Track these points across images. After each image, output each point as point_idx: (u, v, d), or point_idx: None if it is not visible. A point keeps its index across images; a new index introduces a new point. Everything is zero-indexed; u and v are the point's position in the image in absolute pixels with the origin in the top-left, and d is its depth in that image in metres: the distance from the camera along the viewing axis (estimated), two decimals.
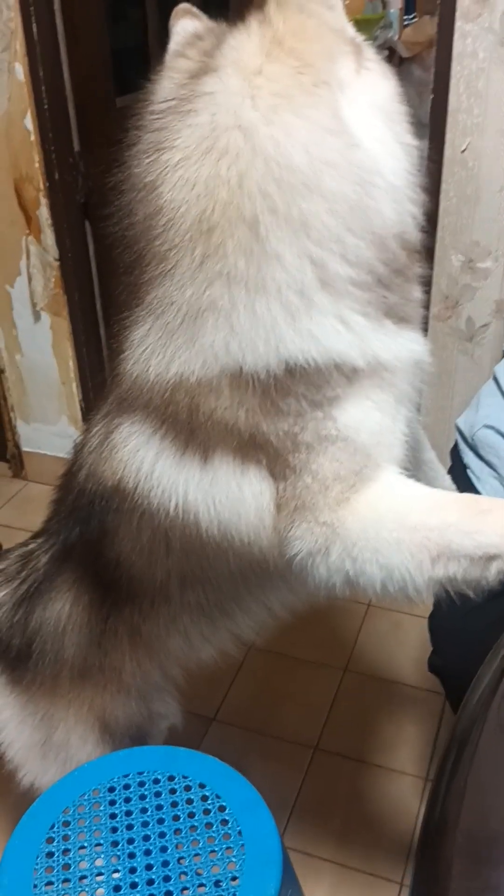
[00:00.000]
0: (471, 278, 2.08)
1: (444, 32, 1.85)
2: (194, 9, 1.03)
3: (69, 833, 0.98)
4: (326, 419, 0.92)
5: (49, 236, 2.35)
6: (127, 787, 1.03)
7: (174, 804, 1.00)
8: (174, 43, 1.00)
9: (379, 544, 0.91)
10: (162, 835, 0.97)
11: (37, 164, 2.26)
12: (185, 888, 0.91)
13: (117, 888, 0.92)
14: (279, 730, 1.89)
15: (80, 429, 2.11)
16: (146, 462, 1.00)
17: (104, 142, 2.30)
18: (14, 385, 2.69)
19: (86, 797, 1.02)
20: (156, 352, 0.96)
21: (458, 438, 1.56)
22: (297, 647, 2.08)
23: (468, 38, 1.83)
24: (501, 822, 0.75)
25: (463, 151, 1.94)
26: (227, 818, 0.98)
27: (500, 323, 2.11)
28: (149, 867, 0.94)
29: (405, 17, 3.88)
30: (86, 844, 0.97)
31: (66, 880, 0.93)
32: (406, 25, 3.86)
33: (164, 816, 0.99)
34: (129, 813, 1.00)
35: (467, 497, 0.97)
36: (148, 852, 0.96)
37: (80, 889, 0.92)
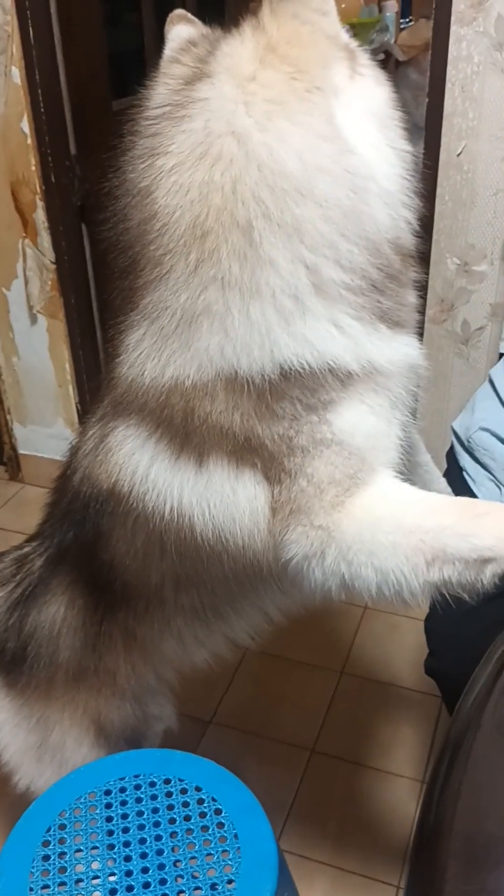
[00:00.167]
0: (466, 281, 2.09)
1: (439, 36, 1.86)
2: (189, 15, 1.03)
3: (65, 836, 0.98)
4: (321, 423, 0.92)
5: (45, 239, 2.35)
6: (123, 790, 1.03)
7: (170, 807, 1.00)
8: (169, 49, 1.00)
9: (374, 547, 0.91)
10: (158, 838, 0.97)
11: (33, 168, 2.26)
12: (182, 891, 0.91)
13: (113, 891, 0.92)
14: (276, 732, 1.89)
15: (76, 431, 2.11)
16: (141, 465, 1.00)
17: (101, 145, 2.30)
18: (10, 387, 2.69)
19: (82, 800, 1.02)
20: (151, 356, 0.96)
21: (454, 441, 1.56)
22: (293, 649, 2.09)
23: (463, 42, 1.84)
24: (497, 825, 0.75)
25: (458, 155, 1.95)
26: (223, 821, 0.98)
27: (495, 326, 2.12)
28: (145, 870, 0.94)
29: (401, 20, 3.89)
30: (82, 848, 0.97)
31: (63, 883, 0.93)
32: (402, 29, 3.88)
33: (160, 819, 0.99)
34: (125, 816, 1.00)
35: (463, 500, 0.97)
36: (144, 855, 0.96)
37: (76, 892, 0.92)
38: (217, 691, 1.99)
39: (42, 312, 2.49)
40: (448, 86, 1.89)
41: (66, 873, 0.94)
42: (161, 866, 0.94)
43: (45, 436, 2.71)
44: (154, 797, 1.02)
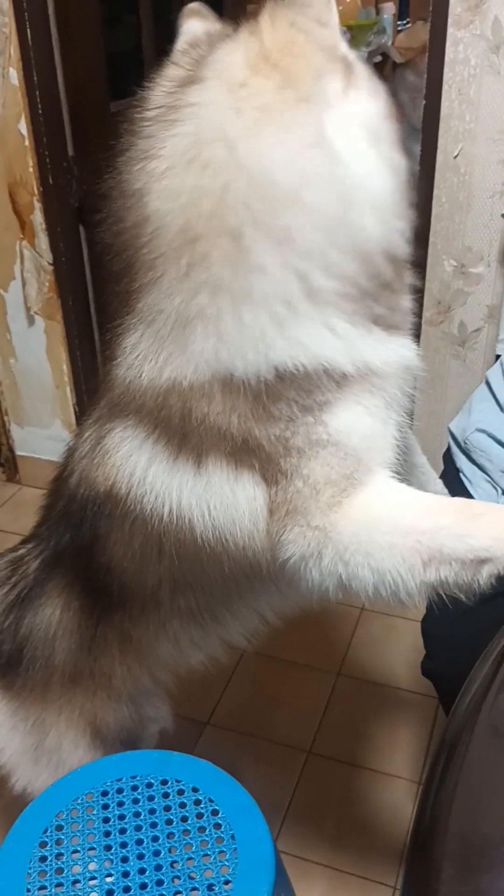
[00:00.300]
0: (463, 283, 2.09)
1: (436, 39, 1.86)
2: (204, 9, 1.01)
3: (62, 837, 0.98)
4: (317, 424, 0.92)
5: (43, 240, 2.35)
6: (120, 791, 1.03)
7: (167, 808, 1.00)
8: (179, 44, 0.99)
9: (371, 548, 0.91)
10: (155, 839, 0.97)
11: (31, 169, 2.26)
12: (178, 892, 0.92)
13: (110, 892, 0.92)
14: (273, 733, 1.89)
15: (73, 433, 2.12)
16: (139, 467, 1.00)
17: (98, 146, 2.30)
18: (8, 389, 2.69)
19: (79, 801, 1.02)
20: (148, 358, 0.96)
21: (451, 442, 1.57)
22: (290, 650, 2.09)
23: (460, 45, 1.84)
24: (492, 826, 0.75)
25: (455, 157, 1.96)
26: (220, 822, 0.98)
27: (492, 328, 2.12)
28: (142, 871, 0.94)
29: (398, 22, 3.90)
30: (79, 849, 0.97)
31: (60, 884, 0.93)
32: (399, 31, 3.88)
33: (157, 821, 0.99)
34: (122, 817, 1.00)
35: (460, 501, 0.98)
36: (141, 856, 0.96)
37: (73, 893, 0.92)
38: (214, 693, 1.99)
39: (39, 314, 2.49)
40: (445, 88, 1.90)
41: (63, 874, 0.94)
42: (158, 867, 0.94)
43: (43, 437, 2.72)
44: (151, 798, 1.02)
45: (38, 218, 2.32)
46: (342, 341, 0.91)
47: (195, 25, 0.99)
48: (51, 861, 0.95)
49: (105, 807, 1.01)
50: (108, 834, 0.98)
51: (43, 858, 0.95)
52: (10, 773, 1.26)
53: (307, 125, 0.86)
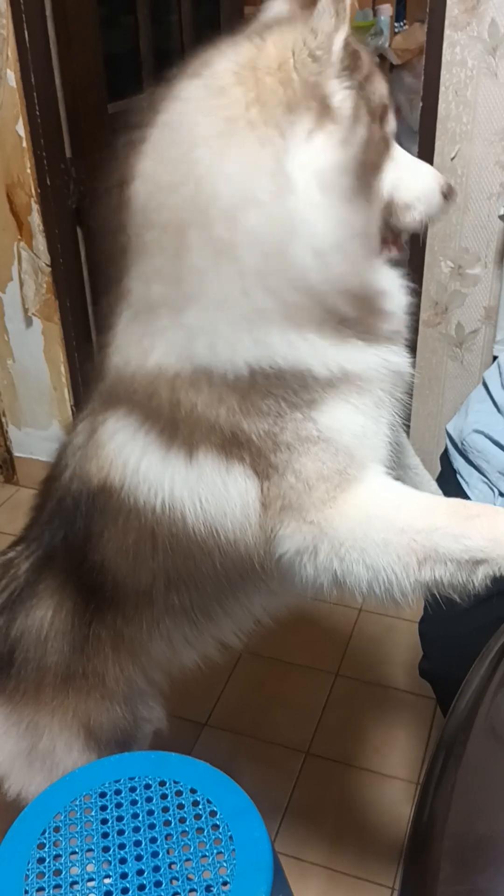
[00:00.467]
0: (460, 284, 2.10)
1: (433, 41, 1.87)
2: None
3: (60, 839, 0.98)
4: (306, 420, 0.92)
5: (41, 242, 2.35)
6: (118, 792, 1.03)
7: (165, 809, 1.00)
8: (254, 24, 0.96)
9: (366, 545, 0.91)
10: (153, 840, 0.97)
11: (28, 170, 2.26)
12: (177, 893, 0.92)
13: (108, 894, 0.92)
14: (271, 734, 1.89)
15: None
16: (133, 457, 1.00)
17: (96, 148, 2.31)
18: (5, 390, 2.69)
19: (77, 803, 1.02)
20: (133, 342, 0.97)
21: (448, 443, 1.57)
22: (288, 651, 2.09)
23: (457, 47, 1.85)
24: (488, 826, 0.75)
25: (452, 159, 1.96)
26: (217, 823, 0.98)
27: (489, 329, 2.13)
28: (140, 873, 0.94)
29: (395, 24, 3.90)
30: (77, 850, 0.96)
31: (58, 886, 0.93)
32: (396, 33, 3.89)
33: (155, 822, 0.99)
34: (120, 818, 1.00)
35: (456, 501, 0.98)
36: (139, 858, 0.96)
37: (71, 894, 0.92)
38: (212, 693, 1.99)
39: (37, 315, 2.49)
40: (442, 90, 1.90)
41: (61, 875, 0.94)
42: (156, 868, 0.94)
43: (40, 438, 2.72)
44: (149, 799, 1.02)
45: (35, 219, 2.33)
46: (312, 347, 0.91)
47: (278, 6, 0.96)
48: (49, 862, 0.95)
49: (103, 808, 1.01)
50: (106, 835, 0.98)
51: (41, 860, 0.95)
52: (4, 777, 1.24)
53: (263, 152, 0.85)
